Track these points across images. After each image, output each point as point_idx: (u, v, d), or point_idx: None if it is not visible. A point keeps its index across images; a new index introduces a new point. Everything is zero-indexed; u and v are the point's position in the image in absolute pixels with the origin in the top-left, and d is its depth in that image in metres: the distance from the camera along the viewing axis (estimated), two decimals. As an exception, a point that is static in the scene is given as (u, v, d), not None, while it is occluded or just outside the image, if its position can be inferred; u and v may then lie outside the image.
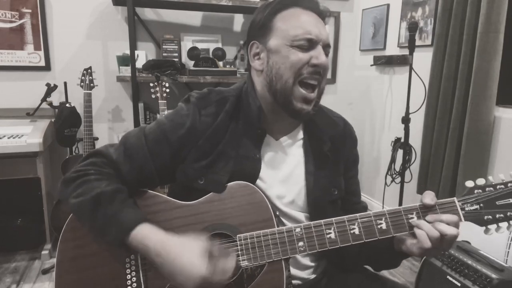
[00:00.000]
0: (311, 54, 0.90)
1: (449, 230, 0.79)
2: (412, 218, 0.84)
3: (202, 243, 0.81)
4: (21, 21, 2.51)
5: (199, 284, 0.76)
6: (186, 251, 0.79)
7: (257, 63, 0.96)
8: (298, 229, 0.87)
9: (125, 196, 0.89)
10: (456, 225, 0.81)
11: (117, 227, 0.84)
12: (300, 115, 0.94)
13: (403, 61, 2.65)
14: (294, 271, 0.98)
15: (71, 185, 0.89)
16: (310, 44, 0.89)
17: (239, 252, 0.87)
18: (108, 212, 0.85)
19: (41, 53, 2.58)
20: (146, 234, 0.83)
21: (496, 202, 0.82)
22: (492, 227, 0.83)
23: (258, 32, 0.95)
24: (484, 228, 0.83)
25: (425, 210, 0.84)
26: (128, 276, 0.88)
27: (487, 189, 0.83)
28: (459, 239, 1.76)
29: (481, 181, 0.84)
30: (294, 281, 0.97)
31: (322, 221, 0.87)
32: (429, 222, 0.82)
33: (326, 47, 0.93)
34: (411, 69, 2.28)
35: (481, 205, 0.83)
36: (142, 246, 0.83)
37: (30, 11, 2.50)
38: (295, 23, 0.90)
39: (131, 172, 0.92)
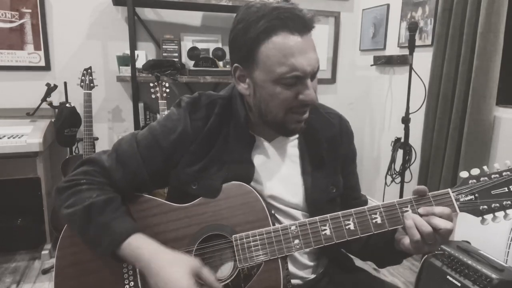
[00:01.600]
0: (298, 90, 0.85)
1: (443, 224, 0.78)
2: (407, 211, 0.83)
3: (192, 262, 0.82)
4: (21, 21, 2.51)
5: None
6: (175, 267, 0.80)
7: (243, 86, 0.92)
8: (293, 227, 0.86)
9: (117, 205, 0.89)
10: (449, 217, 0.80)
11: (109, 238, 0.84)
12: (293, 133, 0.96)
13: (403, 61, 2.65)
14: (293, 270, 0.98)
15: (64, 195, 0.90)
16: (296, 80, 0.84)
17: (235, 253, 0.87)
18: (99, 222, 0.85)
19: (41, 53, 2.58)
20: (138, 244, 0.84)
21: (491, 192, 0.81)
22: (488, 217, 0.82)
23: (241, 57, 0.89)
24: (480, 218, 0.82)
25: (419, 202, 0.83)
26: (126, 281, 0.88)
27: (481, 179, 0.82)
28: (459, 239, 1.77)
29: (475, 171, 0.83)
30: (293, 281, 0.97)
31: (317, 218, 0.86)
32: (422, 215, 0.82)
33: (316, 72, 0.88)
34: (411, 69, 2.27)
35: (476, 195, 0.82)
36: (133, 256, 0.83)
37: (30, 11, 2.51)
38: (279, 58, 0.82)
39: (123, 178, 0.92)
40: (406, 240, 0.83)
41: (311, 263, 1.02)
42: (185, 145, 0.93)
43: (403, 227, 0.83)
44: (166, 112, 2.31)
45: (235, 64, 0.91)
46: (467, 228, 1.83)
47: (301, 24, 0.82)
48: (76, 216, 0.86)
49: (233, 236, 0.87)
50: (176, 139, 0.93)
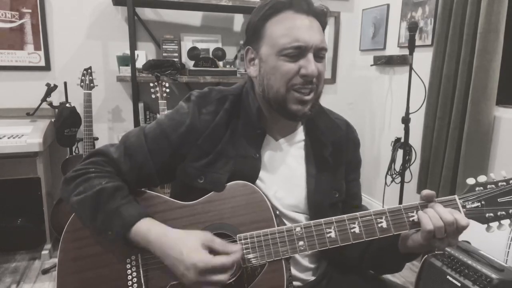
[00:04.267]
0: (300, 64, 0.87)
1: (458, 216, 0.78)
2: (413, 216, 0.83)
3: (203, 235, 0.83)
4: (21, 21, 2.51)
5: (198, 274, 0.78)
6: (187, 241, 0.81)
7: (252, 69, 0.95)
8: (298, 229, 0.86)
9: (125, 192, 0.90)
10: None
11: (120, 222, 0.85)
12: (296, 117, 0.92)
13: (403, 61, 2.65)
14: (294, 272, 0.98)
15: (72, 184, 0.90)
16: (299, 51, 0.86)
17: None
18: (110, 207, 0.85)
19: (41, 53, 2.57)
20: (148, 227, 0.85)
21: (498, 200, 0.81)
22: (494, 224, 0.82)
23: (252, 37, 0.93)
24: (485, 225, 0.82)
25: (425, 208, 0.83)
26: (129, 277, 0.88)
27: (488, 186, 0.82)
28: (459, 239, 1.77)
29: (482, 178, 0.83)
30: (294, 283, 0.97)
31: (322, 220, 0.86)
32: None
33: (320, 51, 0.89)
34: (411, 69, 2.28)
35: (483, 202, 0.82)
36: (144, 240, 0.84)
37: (30, 11, 2.50)
38: (283, 30, 0.87)
39: (131, 171, 0.93)
40: (416, 235, 0.83)
41: (312, 265, 1.02)
42: (193, 139, 0.94)
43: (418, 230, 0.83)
44: (166, 112, 2.31)
45: (247, 47, 0.95)
46: (467, 228, 1.83)
47: (307, 6, 0.89)
48: (86, 202, 0.86)
49: (237, 235, 0.87)
50: (184, 132, 0.93)
